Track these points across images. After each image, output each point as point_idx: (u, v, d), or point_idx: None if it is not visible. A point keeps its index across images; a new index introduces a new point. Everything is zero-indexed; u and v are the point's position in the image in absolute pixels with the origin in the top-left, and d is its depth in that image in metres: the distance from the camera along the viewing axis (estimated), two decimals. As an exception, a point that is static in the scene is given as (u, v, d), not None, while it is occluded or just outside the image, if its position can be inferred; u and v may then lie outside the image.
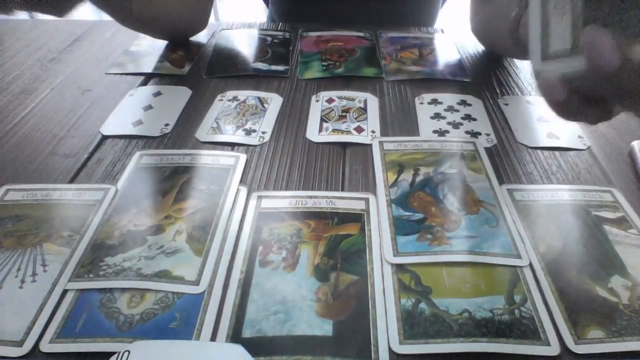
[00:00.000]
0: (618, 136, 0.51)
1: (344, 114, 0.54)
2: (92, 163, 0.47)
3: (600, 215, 0.41)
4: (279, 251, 0.37)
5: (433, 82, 0.61)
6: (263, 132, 0.51)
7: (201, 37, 0.72)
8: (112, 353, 0.28)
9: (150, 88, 0.59)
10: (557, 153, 0.49)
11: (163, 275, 0.35)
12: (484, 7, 0.65)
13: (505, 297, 0.34)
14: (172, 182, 0.44)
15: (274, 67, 0.64)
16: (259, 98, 0.57)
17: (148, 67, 0.63)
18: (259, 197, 0.42)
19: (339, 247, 0.38)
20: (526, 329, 0.32)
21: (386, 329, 0.32)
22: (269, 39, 0.72)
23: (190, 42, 0.70)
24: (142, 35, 0.72)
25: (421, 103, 0.56)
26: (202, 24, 0.71)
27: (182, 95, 0.58)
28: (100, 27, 0.76)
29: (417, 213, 0.41)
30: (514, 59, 0.66)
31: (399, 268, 0.36)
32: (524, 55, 0.51)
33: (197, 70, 0.64)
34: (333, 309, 0.33)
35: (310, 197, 0.42)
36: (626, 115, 0.35)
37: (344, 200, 0.42)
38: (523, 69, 0.64)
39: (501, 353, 0.31)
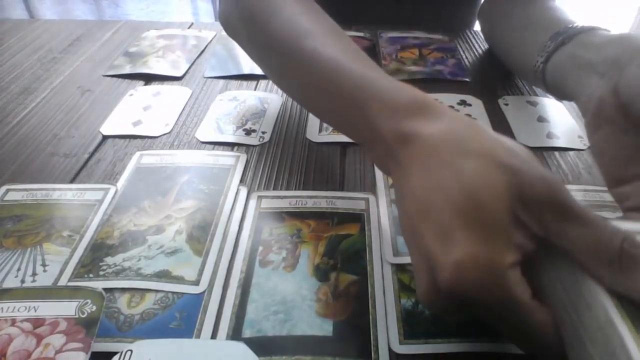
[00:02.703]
0: (618, 136, 0.51)
1: (344, 114, 0.54)
2: (92, 163, 0.47)
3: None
4: (279, 251, 0.37)
5: (433, 82, 0.61)
6: (263, 132, 0.51)
7: (201, 37, 0.72)
8: (112, 353, 0.28)
9: (150, 88, 0.59)
10: (556, 153, 0.49)
11: (163, 275, 0.35)
12: (500, 12, 0.60)
13: (505, 297, 0.34)
14: (172, 182, 0.44)
15: (274, 67, 0.64)
16: (259, 98, 0.57)
17: (147, 68, 0.63)
18: (259, 197, 0.42)
19: (339, 247, 0.38)
20: (526, 329, 0.32)
21: (386, 329, 0.32)
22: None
23: (191, 42, 0.70)
24: (142, 35, 0.72)
25: (421, 103, 0.56)
26: None
27: (182, 95, 0.58)
28: (100, 27, 0.76)
29: (417, 213, 0.41)
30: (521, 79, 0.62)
31: (399, 268, 0.36)
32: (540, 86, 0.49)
33: (197, 70, 0.64)
34: (333, 309, 0.33)
35: (310, 197, 0.42)
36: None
37: (344, 200, 0.42)
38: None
39: (501, 353, 0.31)
